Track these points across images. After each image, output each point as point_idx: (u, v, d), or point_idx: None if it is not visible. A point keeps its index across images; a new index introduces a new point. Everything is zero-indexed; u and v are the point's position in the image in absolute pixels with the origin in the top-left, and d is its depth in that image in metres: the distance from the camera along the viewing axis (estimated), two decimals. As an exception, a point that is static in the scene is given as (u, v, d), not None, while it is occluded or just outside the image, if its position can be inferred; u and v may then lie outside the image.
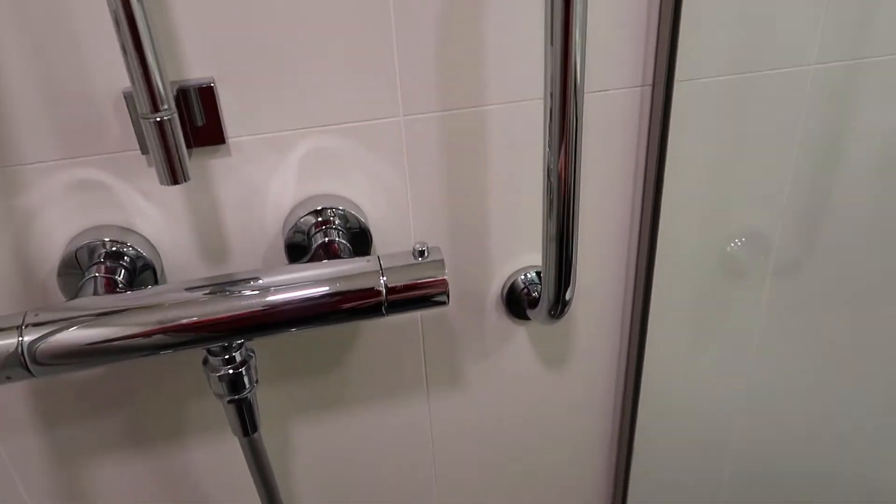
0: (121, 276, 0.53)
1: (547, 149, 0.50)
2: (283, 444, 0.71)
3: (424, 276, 0.51)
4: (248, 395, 0.54)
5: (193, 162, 0.54)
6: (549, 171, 0.51)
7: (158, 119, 0.44)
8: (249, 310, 0.49)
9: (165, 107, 0.44)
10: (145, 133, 0.45)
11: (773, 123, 0.64)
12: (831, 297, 0.77)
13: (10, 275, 0.55)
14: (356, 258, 0.52)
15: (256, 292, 0.49)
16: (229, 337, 0.50)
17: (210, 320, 0.48)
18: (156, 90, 0.44)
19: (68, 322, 0.47)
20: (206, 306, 0.49)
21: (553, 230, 0.54)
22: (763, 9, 0.59)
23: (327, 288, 0.50)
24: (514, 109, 0.58)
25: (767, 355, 0.80)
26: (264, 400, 0.67)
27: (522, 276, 0.66)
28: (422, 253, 0.51)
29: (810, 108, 0.64)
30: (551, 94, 0.48)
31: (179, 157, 0.46)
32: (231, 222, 0.57)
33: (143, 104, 0.44)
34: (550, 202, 0.52)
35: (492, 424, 0.76)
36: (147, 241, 0.56)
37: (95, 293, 0.51)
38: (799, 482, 0.95)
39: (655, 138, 0.61)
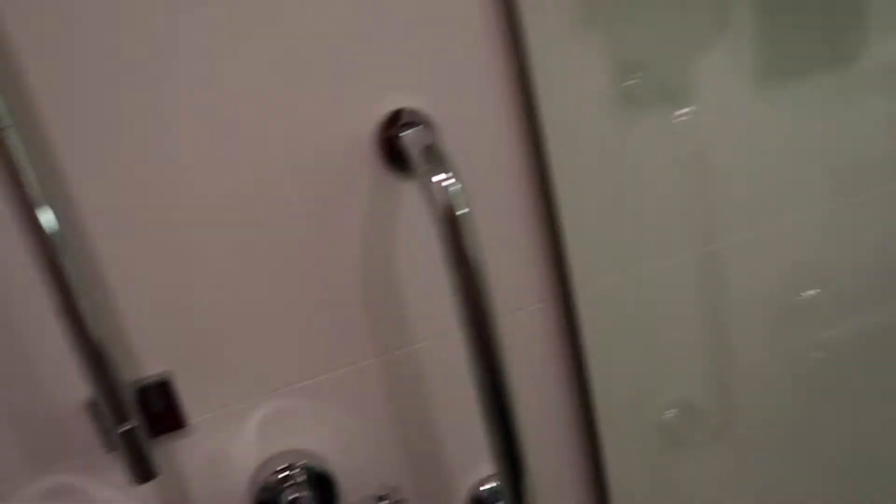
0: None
1: (475, 369, 0.56)
2: None
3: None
4: None
5: (159, 448, 0.58)
6: (482, 392, 0.56)
7: (124, 429, 0.49)
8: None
9: (130, 417, 0.49)
10: (112, 443, 0.49)
11: (679, 304, 0.72)
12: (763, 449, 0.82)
13: None
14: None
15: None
16: None
17: None
18: (119, 403, 0.49)
19: None
20: None
21: (499, 445, 0.58)
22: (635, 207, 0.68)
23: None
24: (441, 342, 0.64)
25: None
26: None
27: (486, 487, 0.69)
28: (383, 497, 0.55)
29: (700, 287, 0.73)
30: (467, 320, 0.54)
31: (148, 457, 0.50)
32: (199, 496, 0.60)
33: (108, 418, 0.49)
34: (491, 420, 0.57)
35: None
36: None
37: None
38: None
39: (570, 351, 0.67)
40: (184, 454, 0.59)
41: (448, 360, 0.65)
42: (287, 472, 0.60)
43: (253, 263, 0.57)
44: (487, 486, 0.69)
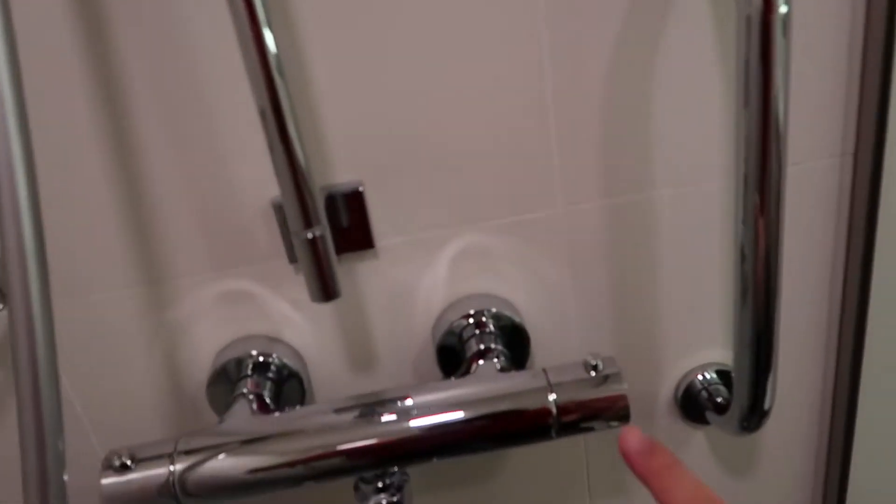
0: (268, 391, 0.50)
1: (741, 226, 0.43)
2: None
3: (601, 393, 0.44)
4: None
5: (341, 267, 0.51)
6: (742, 255, 0.43)
7: (311, 236, 0.41)
8: (404, 435, 0.44)
9: (318, 223, 0.41)
10: (296, 250, 0.42)
11: None
12: None
13: (161, 389, 0.53)
14: (518, 372, 0.47)
15: (410, 416, 0.44)
16: (381, 465, 0.45)
17: (362, 448, 0.44)
18: (308, 206, 0.41)
19: (218, 449, 0.44)
20: (358, 432, 0.44)
21: (748, 326, 0.46)
22: None
23: (488, 409, 0.44)
24: (685, 195, 0.51)
25: None
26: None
27: (700, 377, 0.57)
28: (594, 367, 0.45)
29: None
30: (746, 162, 0.41)
31: (331, 274, 0.42)
32: (379, 327, 0.53)
33: (295, 220, 0.41)
34: (744, 292, 0.45)
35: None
36: (294, 350, 0.53)
37: (244, 413, 0.48)
38: None
39: (861, 216, 0.51)
40: (368, 279, 0.51)
41: (687, 218, 0.52)
42: (478, 318, 0.52)
43: (467, 89, 0.45)
44: (707, 376, 0.57)
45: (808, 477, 0.64)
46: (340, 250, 0.49)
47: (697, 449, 0.61)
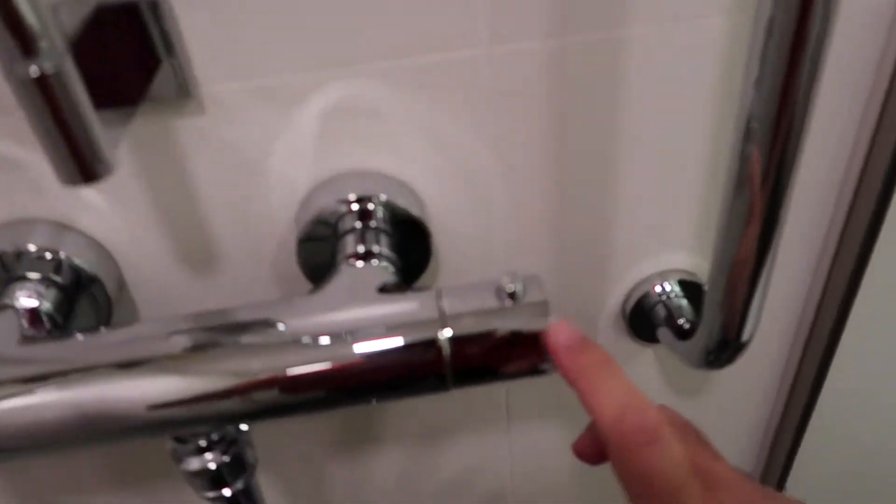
0: (51, 303, 0.35)
1: (753, 90, 0.27)
2: (318, 482, 0.53)
3: (515, 330, 0.30)
4: (244, 483, 0.35)
5: (151, 122, 0.34)
6: (747, 131, 0.28)
7: (35, 73, 0.24)
8: (237, 384, 0.30)
9: (52, 49, 0.24)
10: (15, 95, 0.25)
11: None
12: None
13: None
14: (405, 293, 0.32)
15: (265, 352, 0.30)
16: (205, 423, 0.31)
17: (182, 399, 0.30)
18: (23, 15, 0.23)
19: None
20: (182, 376, 0.30)
21: (738, 227, 0.32)
22: None
23: (357, 349, 0.30)
24: (665, 35, 0.34)
25: None
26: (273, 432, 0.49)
27: (659, 287, 0.44)
28: (511, 294, 0.30)
29: None
30: None
31: (84, 136, 0.26)
32: (217, 211, 0.37)
33: (4, 42, 0.23)
34: (741, 182, 0.30)
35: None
36: (95, 242, 0.37)
37: (8, 335, 0.33)
38: None
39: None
40: (192, 144, 0.35)
41: (664, 69, 0.36)
42: (358, 206, 0.36)
43: None
44: (667, 287, 0.43)
45: (764, 417, 0.54)
46: (137, 98, 0.32)
47: (644, 366, 0.50)
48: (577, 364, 0.28)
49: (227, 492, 0.34)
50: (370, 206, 0.36)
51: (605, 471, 0.30)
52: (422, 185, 0.38)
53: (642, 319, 0.45)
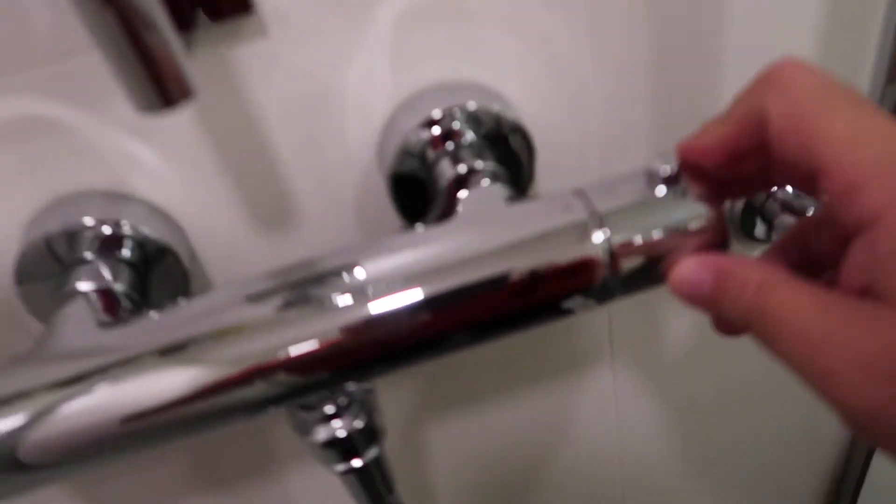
0: (123, 282, 0.30)
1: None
2: (420, 446, 0.49)
3: (680, 222, 0.26)
4: (375, 456, 0.31)
5: (207, 54, 0.29)
6: None
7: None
8: (363, 330, 0.25)
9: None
10: (91, 28, 0.20)
11: None
12: None
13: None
14: (537, 200, 0.28)
15: (368, 297, 0.25)
16: (333, 382, 0.27)
17: (299, 358, 0.25)
18: None
19: (55, 391, 0.25)
20: (289, 332, 0.25)
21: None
22: None
23: (499, 269, 0.25)
24: None
25: None
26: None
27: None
28: (668, 179, 0.26)
29: None
30: None
31: (164, 52, 0.21)
32: (288, 155, 0.33)
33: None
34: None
35: (705, 402, 0.52)
36: (156, 209, 0.33)
37: (84, 322, 0.29)
38: None
39: None
40: (255, 72, 0.30)
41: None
42: (448, 123, 0.32)
43: None
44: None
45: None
46: (190, 25, 0.27)
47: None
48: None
49: (357, 462, 0.30)
50: (457, 122, 0.32)
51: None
52: (513, 91, 0.33)
53: (751, 221, 0.41)
